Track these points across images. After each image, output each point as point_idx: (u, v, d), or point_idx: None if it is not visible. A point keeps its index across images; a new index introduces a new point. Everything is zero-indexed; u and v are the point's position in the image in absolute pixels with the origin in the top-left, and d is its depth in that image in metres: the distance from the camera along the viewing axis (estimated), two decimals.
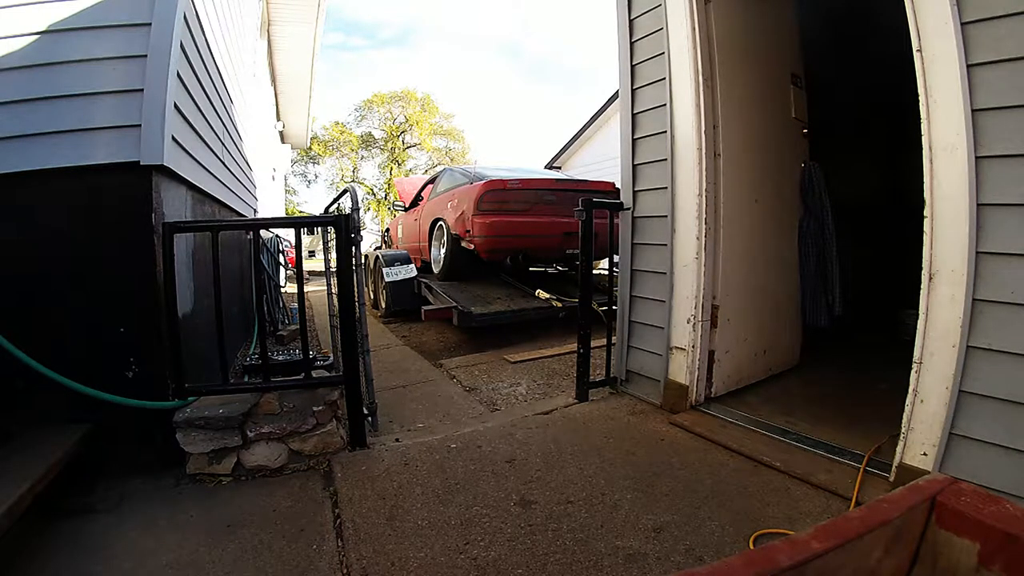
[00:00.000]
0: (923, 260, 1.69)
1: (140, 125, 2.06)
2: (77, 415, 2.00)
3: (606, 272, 3.03)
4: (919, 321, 1.71)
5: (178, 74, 2.21)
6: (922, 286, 1.70)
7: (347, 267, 2.23)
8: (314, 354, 2.89)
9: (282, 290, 6.13)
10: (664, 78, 2.62)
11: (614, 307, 3.02)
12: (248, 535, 1.70)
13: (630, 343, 2.95)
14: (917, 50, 1.67)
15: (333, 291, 2.82)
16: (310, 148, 25.39)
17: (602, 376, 2.97)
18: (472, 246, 4.70)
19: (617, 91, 3.21)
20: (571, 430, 2.45)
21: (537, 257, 5.20)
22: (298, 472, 2.13)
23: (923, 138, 1.68)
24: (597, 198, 2.86)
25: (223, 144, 3.47)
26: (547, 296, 4.56)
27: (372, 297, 6.37)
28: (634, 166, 2.88)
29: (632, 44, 2.83)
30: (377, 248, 10.73)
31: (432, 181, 6.45)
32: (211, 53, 3.01)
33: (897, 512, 0.73)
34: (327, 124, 29.94)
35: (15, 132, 1.99)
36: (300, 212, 26.03)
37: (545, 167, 13.12)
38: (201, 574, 1.52)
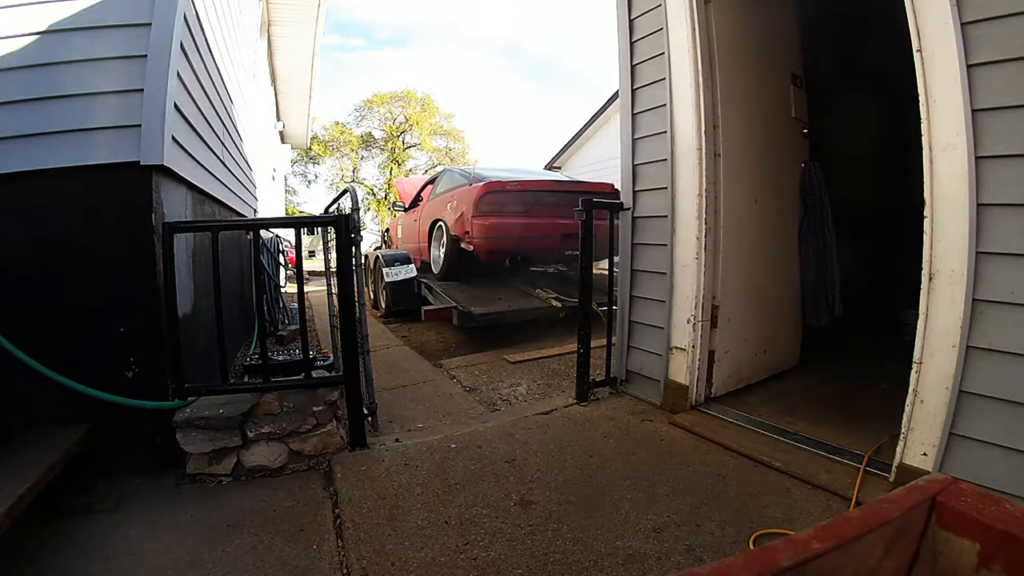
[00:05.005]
0: (923, 260, 1.69)
1: (140, 125, 2.06)
2: (77, 415, 2.00)
3: (606, 272, 3.03)
4: (919, 321, 1.71)
5: (178, 74, 2.21)
6: (922, 286, 1.70)
7: (347, 267, 2.23)
8: (314, 354, 2.89)
9: (282, 290, 6.13)
10: (664, 78, 2.62)
11: (614, 307, 3.02)
12: (248, 535, 1.70)
13: (630, 343, 2.95)
14: (917, 50, 1.67)
15: (333, 291, 2.82)
16: (310, 148, 25.34)
17: (602, 376, 2.97)
18: (471, 247, 4.70)
19: (617, 91, 3.21)
20: (571, 430, 2.45)
21: (537, 258, 5.20)
22: (298, 472, 2.13)
23: (923, 138, 1.68)
24: (597, 199, 2.86)
25: (223, 144, 3.47)
26: (547, 296, 4.56)
27: (372, 297, 6.37)
28: (634, 166, 2.88)
29: (632, 44, 2.83)
30: (377, 248, 10.73)
31: (432, 182, 6.46)
32: (211, 53, 3.01)
33: (897, 512, 0.73)
34: (327, 124, 29.92)
35: (16, 132, 1.99)
36: (300, 212, 26.00)
37: (545, 167, 13.12)
38: (201, 574, 1.52)
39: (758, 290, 2.84)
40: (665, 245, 2.67)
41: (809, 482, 1.90)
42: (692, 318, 2.56)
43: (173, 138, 2.20)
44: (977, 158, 1.56)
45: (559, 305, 4.38)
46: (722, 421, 2.45)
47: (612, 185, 4.70)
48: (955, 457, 1.62)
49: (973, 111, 1.56)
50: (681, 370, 2.63)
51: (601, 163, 10.83)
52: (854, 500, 1.76)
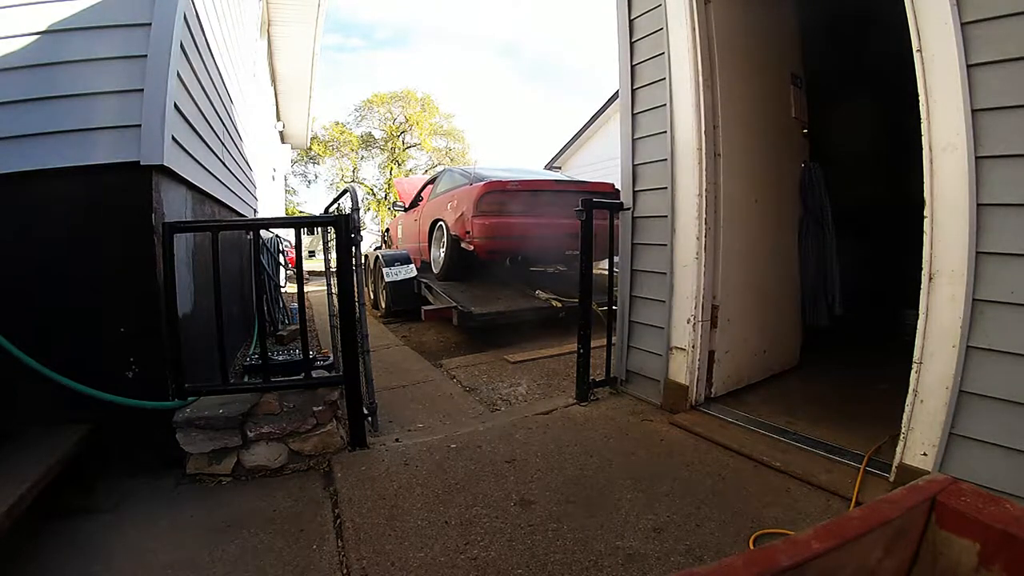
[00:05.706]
0: (923, 260, 1.69)
1: (140, 125, 2.06)
2: (77, 415, 2.00)
3: (606, 272, 3.03)
4: (919, 321, 1.71)
5: (178, 74, 2.21)
6: (922, 286, 1.70)
7: (347, 267, 2.23)
8: (314, 354, 2.89)
9: (282, 290, 6.13)
10: (664, 78, 2.62)
11: (614, 307, 3.02)
12: (248, 535, 1.70)
13: (630, 343, 2.95)
14: (917, 50, 1.67)
15: (333, 291, 2.82)
16: (310, 148, 25.35)
17: (602, 376, 2.97)
18: (471, 247, 4.70)
19: (617, 91, 3.21)
20: (571, 430, 2.45)
21: (537, 258, 5.20)
22: (298, 472, 2.13)
23: (923, 138, 1.68)
24: (597, 198, 2.85)
25: (223, 144, 3.47)
26: (547, 296, 4.56)
27: (372, 297, 6.37)
28: (634, 166, 2.88)
29: (632, 44, 2.83)
30: (377, 248, 10.73)
31: (432, 182, 6.46)
32: (211, 53, 3.01)
33: (897, 512, 0.73)
34: (327, 124, 29.94)
35: (16, 132, 1.99)
36: (300, 212, 26.00)
37: (545, 167, 13.11)
38: (201, 574, 1.52)
39: (758, 290, 2.84)
40: (665, 245, 2.67)
41: (809, 482, 1.90)
42: (692, 318, 2.56)
43: (173, 138, 2.20)
44: (977, 158, 1.56)
45: (559, 305, 4.38)
46: (722, 421, 2.45)
47: (612, 185, 4.70)
48: (955, 457, 1.62)
49: (973, 111, 1.56)
50: (681, 370, 2.63)
51: (601, 163, 10.83)
52: (854, 500, 1.76)
